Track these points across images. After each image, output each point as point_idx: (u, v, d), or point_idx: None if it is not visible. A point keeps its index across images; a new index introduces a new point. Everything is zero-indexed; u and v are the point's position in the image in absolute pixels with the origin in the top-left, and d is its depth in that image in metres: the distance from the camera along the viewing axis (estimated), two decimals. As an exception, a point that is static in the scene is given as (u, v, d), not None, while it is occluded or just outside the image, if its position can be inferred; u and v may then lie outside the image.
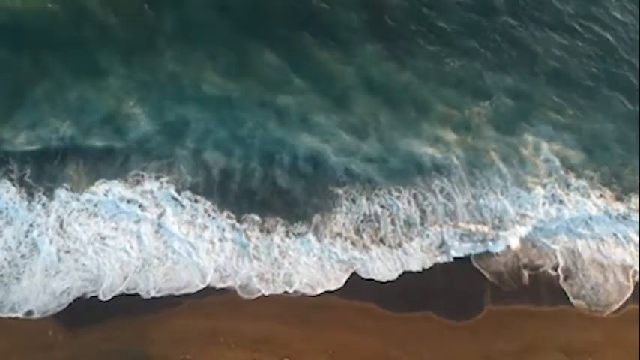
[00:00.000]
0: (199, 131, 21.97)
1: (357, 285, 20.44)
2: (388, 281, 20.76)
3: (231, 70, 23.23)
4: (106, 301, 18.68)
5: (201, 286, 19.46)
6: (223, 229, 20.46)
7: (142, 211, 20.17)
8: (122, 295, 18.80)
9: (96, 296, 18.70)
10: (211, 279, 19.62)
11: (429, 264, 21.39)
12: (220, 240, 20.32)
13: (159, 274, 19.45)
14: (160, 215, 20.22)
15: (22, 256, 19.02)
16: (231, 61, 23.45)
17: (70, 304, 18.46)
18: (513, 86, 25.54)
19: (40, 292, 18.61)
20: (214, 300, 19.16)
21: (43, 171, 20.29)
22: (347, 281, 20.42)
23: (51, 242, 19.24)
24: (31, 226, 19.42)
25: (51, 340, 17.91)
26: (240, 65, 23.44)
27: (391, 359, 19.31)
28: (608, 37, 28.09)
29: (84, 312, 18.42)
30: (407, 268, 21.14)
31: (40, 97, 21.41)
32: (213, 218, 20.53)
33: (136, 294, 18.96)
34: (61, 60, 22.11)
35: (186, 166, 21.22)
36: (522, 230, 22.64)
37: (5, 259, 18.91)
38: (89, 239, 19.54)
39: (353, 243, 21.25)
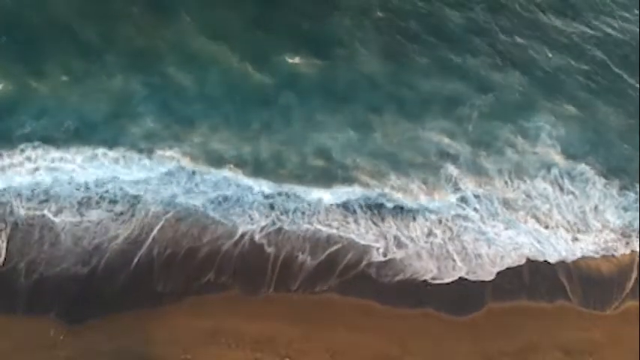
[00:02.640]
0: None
1: (356, 282, 20.40)
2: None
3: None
4: (107, 300, 18.58)
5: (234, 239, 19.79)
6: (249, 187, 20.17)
7: (170, 176, 19.67)
8: (123, 294, 18.70)
9: (97, 295, 18.57)
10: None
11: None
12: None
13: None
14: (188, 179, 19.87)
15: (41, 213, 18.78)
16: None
17: (74, 298, 18.33)
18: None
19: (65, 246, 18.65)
20: (215, 299, 19.10)
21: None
22: (347, 279, 20.38)
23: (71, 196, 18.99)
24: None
25: (52, 340, 17.85)
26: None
27: (392, 358, 19.40)
28: (612, 30, 27.75)
29: (85, 311, 18.33)
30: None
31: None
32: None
33: (142, 288, 18.86)
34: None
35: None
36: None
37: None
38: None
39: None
